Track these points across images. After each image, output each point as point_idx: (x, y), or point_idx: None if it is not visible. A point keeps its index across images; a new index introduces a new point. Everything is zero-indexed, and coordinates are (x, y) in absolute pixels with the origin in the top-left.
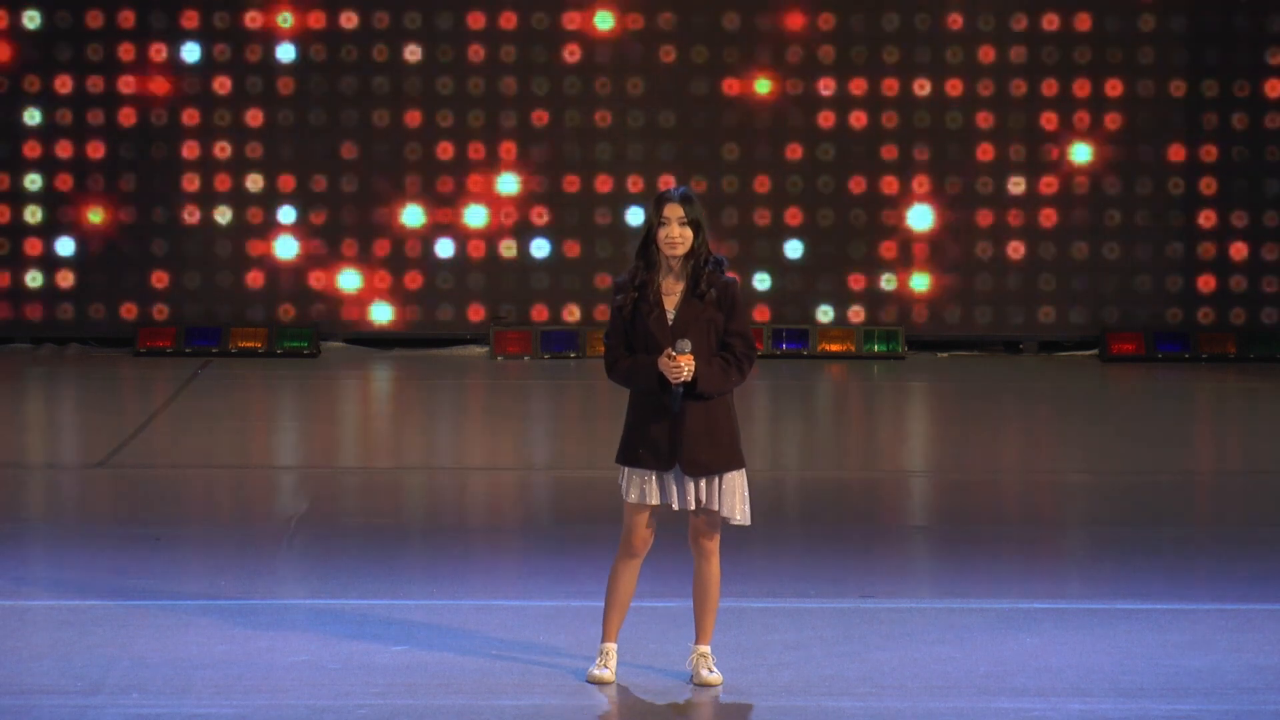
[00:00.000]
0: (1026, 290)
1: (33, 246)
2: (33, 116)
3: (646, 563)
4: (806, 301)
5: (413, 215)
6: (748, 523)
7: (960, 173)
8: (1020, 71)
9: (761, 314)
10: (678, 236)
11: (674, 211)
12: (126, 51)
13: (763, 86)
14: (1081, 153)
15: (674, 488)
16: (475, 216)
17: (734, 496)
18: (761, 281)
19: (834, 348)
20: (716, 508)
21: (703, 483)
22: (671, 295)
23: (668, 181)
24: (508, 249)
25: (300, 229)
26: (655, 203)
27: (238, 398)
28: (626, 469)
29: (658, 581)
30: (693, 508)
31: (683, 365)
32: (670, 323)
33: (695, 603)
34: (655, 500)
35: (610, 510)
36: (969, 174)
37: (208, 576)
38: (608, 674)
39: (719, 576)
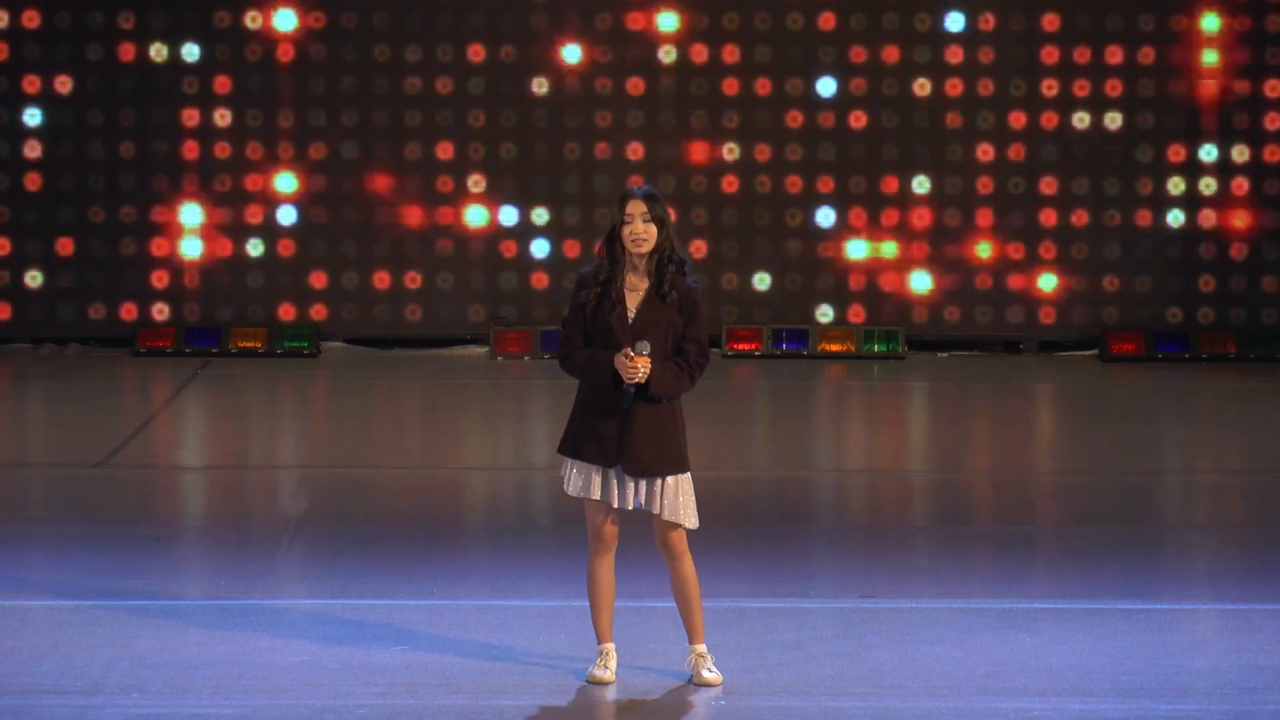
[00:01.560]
0: (1026, 290)
1: (33, 246)
2: (33, 116)
3: (645, 563)
4: (806, 301)
5: (412, 215)
6: (694, 526)
7: (960, 173)
8: (1020, 71)
9: (761, 314)
10: (642, 233)
11: (637, 208)
12: (126, 52)
13: (762, 84)
14: (1082, 152)
15: (615, 485)
16: (475, 216)
17: (677, 500)
18: (761, 282)
19: (834, 348)
20: (657, 510)
21: (643, 484)
22: (635, 293)
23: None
24: (507, 241)
25: (300, 229)
26: (619, 200)
27: (238, 398)
28: (568, 461)
29: (657, 581)
30: (630, 507)
31: (639, 366)
32: (631, 321)
33: (679, 606)
34: (597, 495)
35: None
36: (969, 174)
37: (208, 576)
38: (608, 674)
39: (694, 574)
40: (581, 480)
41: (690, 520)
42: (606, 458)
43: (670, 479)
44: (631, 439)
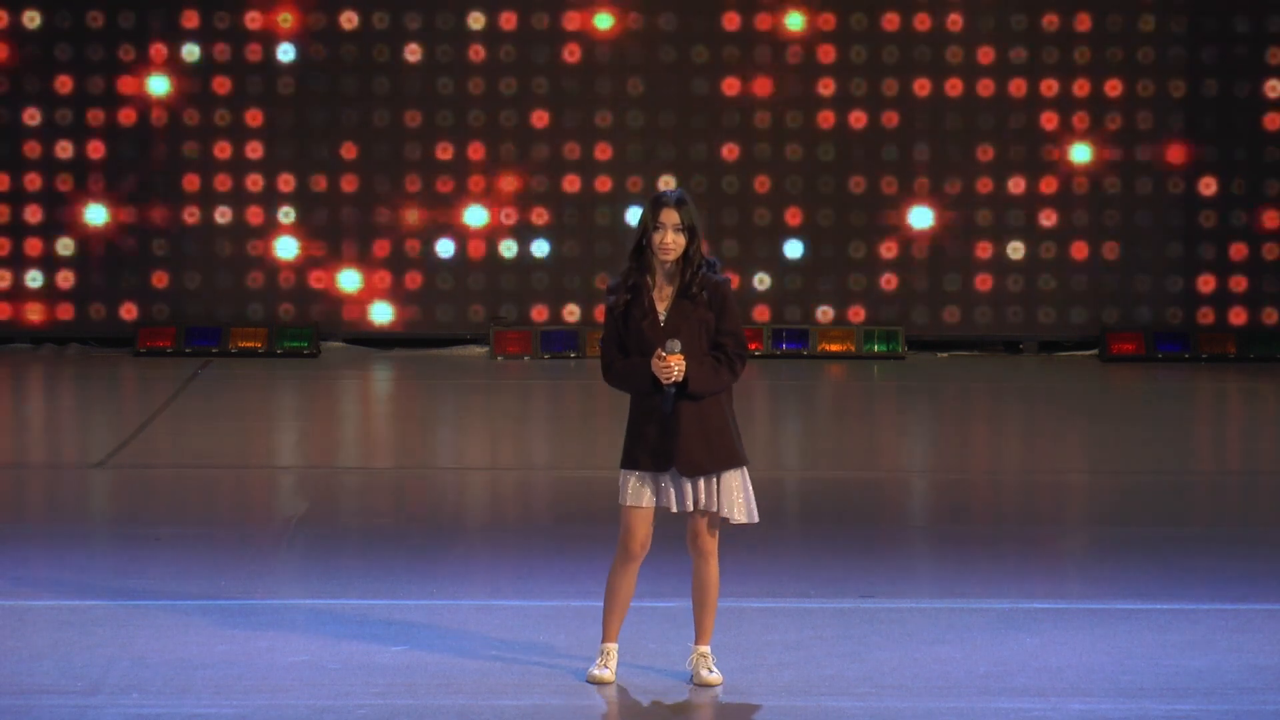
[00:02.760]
0: (1026, 290)
1: (33, 246)
2: (33, 117)
3: (646, 562)
4: (806, 301)
5: (413, 215)
6: (755, 520)
7: (960, 173)
8: (1020, 71)
9: (761, 314)
10: (670, 243)
11: (669, 218)
12: (126, 52)
13: (760, 85)
14: (1081, 153)
15: (672, 490)
16: (475, 216)
17: (733, 496)
18: (761, 282)
19: (834, 348)
20: (715, 509)
21: (700, 483)
22: (664, 297)
23: (668, 182)
24: (507, 249)
25: (300, 229)
26: (651, 205)
27: (238, 398)
28: (625, 473)
29: (658, 581)
30: (690, 509)
31: (673, 365)
32: (662, 324)
33: (694, 604)
34: (652, 503)
35: (610, 510)
36: (969, 174)
37: (208, 576)
38: (608, 674)
39: (718, 577)
40: (638, 489)
41: (751, 515)
42: (660, 463)
43: (727, 475)
44: (680, 439)
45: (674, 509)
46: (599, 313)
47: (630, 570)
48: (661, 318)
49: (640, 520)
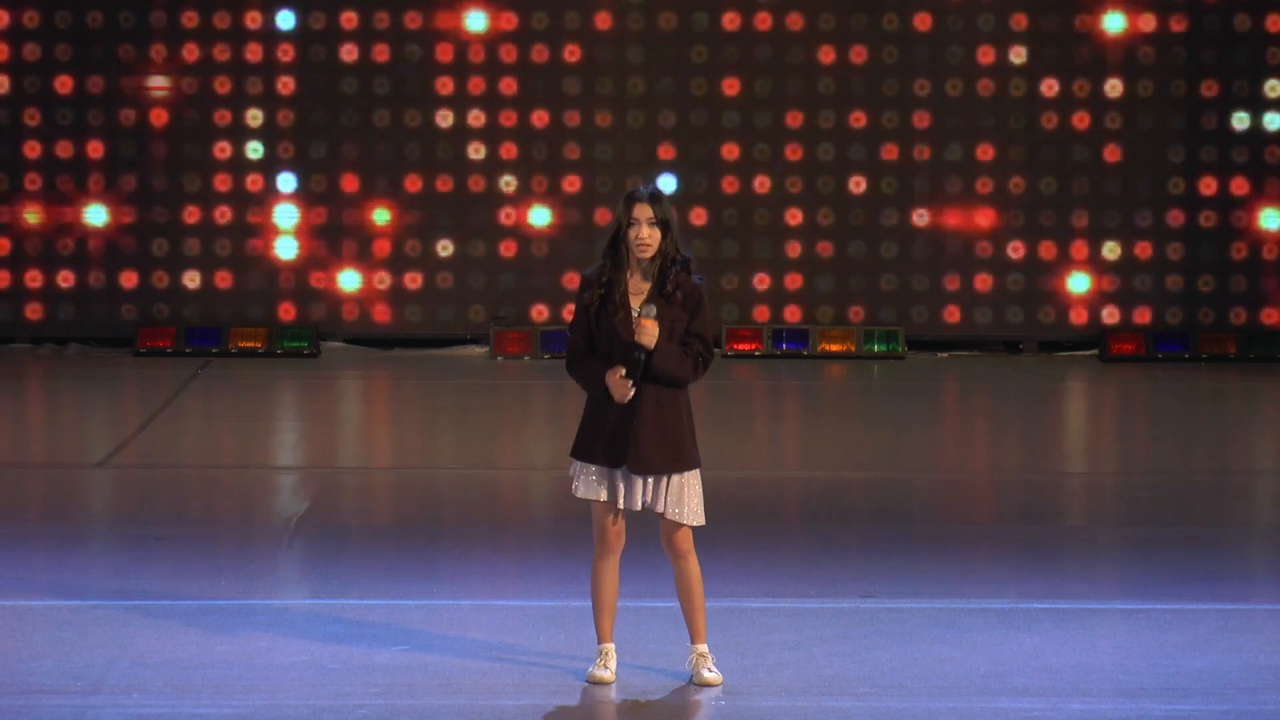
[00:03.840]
0: (1026, 290)
1: (33, 246)
2: (33, 117)
3: (645, 563)
4: (806, 301)
5: (412, 215)
6: (701, 523)
7: (960, 173)
8: (1020, 71)
9: (761, 314)
10: (647, 238)
11: (643, 212)
12: (126, 52)
13: (763, 85)
14: (1082, 150)
15: (621, 486)
16: (476, 216)
17: (682, 498)
18: (761, 282)
19: (834, 348)
20: (661, 509)
21: (650, 482)
22: (638, 294)
23: (668, 182)
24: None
25: (300, 229)
26: (624, 202)
27: (238, 398)
28: (577, 464)
29: (657, 582)
30: (638, 508)
31: (646, 327)
32: (635, 321)
33: (682, 604)
34: (604, 497)
35: None
36: (969, 174)
37: (208, 576)
38: (608, 674)
39: (699, 574)
40: (590, 482)
41: (696, 518)
42: (613, 458)
43: (676, 477)
44: (637, 438)
45: (622, 504)
46: None
47: (611, 565)
48: (635, 314)
49: (607, 512)
